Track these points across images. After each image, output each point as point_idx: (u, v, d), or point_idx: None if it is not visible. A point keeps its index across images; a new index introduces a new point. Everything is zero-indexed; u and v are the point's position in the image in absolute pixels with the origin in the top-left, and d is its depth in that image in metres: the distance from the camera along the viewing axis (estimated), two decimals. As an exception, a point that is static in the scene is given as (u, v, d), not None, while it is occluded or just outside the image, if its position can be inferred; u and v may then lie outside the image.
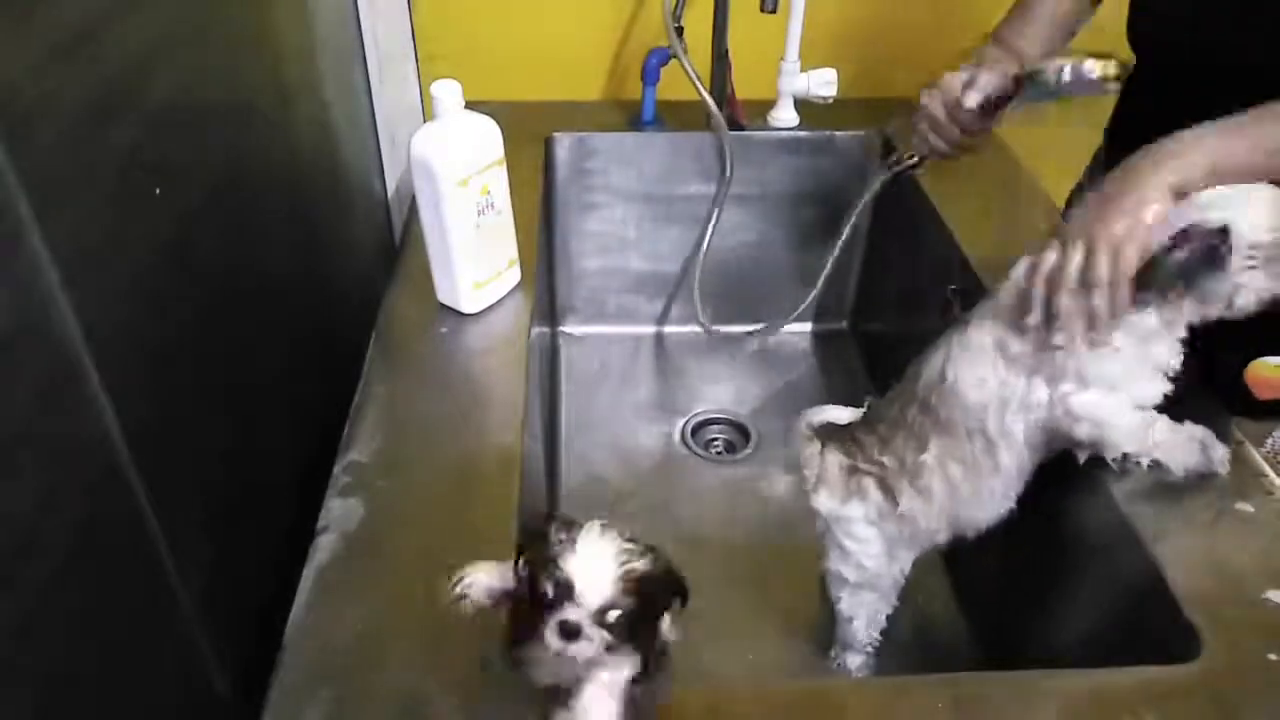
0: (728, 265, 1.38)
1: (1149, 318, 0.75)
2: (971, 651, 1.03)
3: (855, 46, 1.40)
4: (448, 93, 0.88)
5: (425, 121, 0.93)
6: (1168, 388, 0.78)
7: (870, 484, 0.87)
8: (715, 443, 1.29)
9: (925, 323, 1.08)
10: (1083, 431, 0.77)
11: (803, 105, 1.33)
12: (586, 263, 1.40)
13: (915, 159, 1.07)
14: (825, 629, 1.03)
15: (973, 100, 0.94)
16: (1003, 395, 0.80)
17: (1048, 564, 0.89)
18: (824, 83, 1.27)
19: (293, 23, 1.04)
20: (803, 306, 1.27)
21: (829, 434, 0.91)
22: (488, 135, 0.93)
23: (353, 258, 1.25)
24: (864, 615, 0.94)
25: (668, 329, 1.45)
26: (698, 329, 1.36)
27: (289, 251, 0.99)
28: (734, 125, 1.32)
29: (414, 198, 0.95)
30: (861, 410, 0.93)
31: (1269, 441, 0.85)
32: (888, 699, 0.67)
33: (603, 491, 1.19)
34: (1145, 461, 0.79)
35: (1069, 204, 1.10)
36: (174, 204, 0.71)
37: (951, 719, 0.64)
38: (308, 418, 0.97)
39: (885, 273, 1.36)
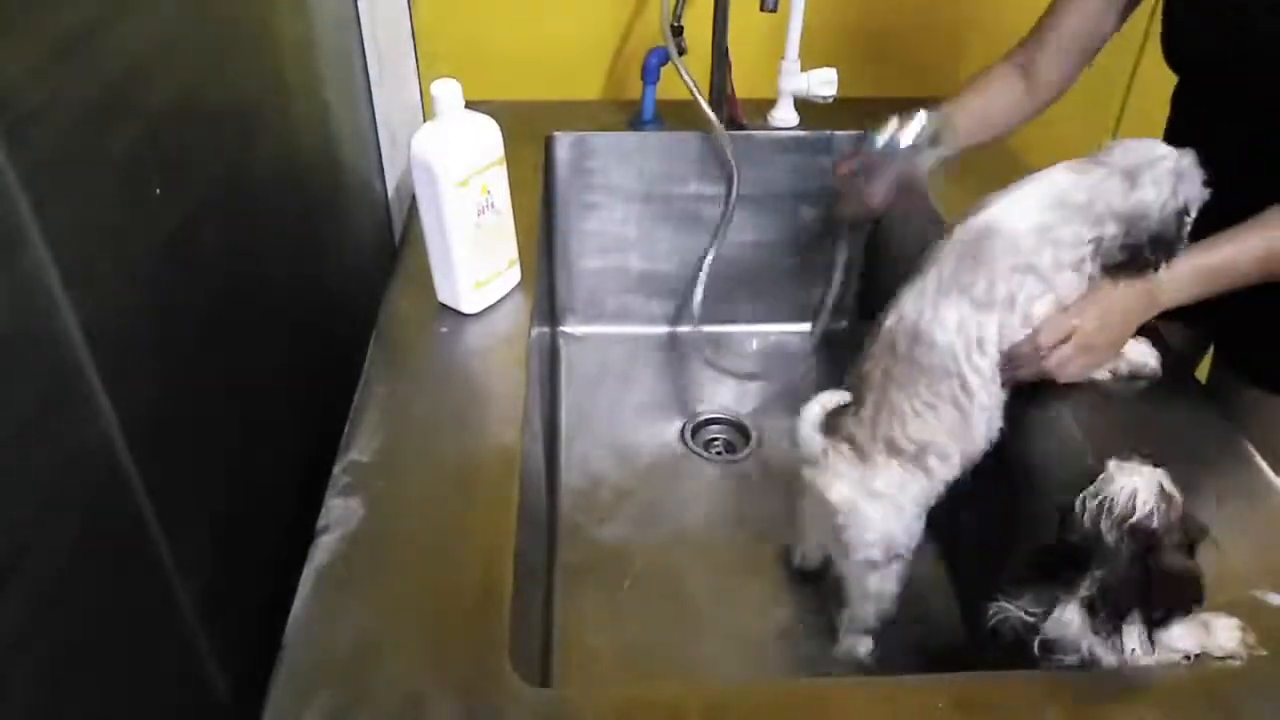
0: (727, 265, 1.37)
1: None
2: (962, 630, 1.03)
3: (855, 46, 1.40)
4: (448, 93, 0.88)
5: (425, 121, 0.93)
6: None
7: (881, 452, 0.88)
8: (715, 443, 1.29)
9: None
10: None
11: (803, 105, 1.33)
12: (586, 263, 1.40)
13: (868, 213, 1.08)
14: (825, 629, 1.03)
15: (845, 167, 1.02)
16: (968, 334, 0.85)
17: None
18: (824, 83, 1.27)
19: (293, 23, 1.04)
20: (813, 337, 1.28)
21: (827, 427, 0.91)
22: (488, 135, 0.93)
23: (353, 258, 1.25)
24: (892, 586, 0.92)
25: (668, 329, 1.45)
26: (692, 326, 1.36)
27: (289, 251, 0.99)
28: (734, 125, 1.32)
29: (414, 198, 0.95)
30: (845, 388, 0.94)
31: None
32: (888, 699, 0.67)
33: (603, 491, 1.19)
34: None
35: None
36: (174, 204, 0.71)
37: (951, 719, 0.64)
38: (308, 418, 0.97)
39: (885, 273, 1.36)
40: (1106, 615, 0.68)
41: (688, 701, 0.65)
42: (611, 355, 1.41)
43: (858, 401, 0.90)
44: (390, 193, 1.42)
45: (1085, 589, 0.69)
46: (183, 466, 0.72)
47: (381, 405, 0.86)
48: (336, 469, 0.79)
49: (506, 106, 1.19)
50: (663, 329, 1.45)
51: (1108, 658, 0.68)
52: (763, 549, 1.13)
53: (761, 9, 1.19)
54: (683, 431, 1.29)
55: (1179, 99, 1.02)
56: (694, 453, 1.26)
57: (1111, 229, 0.84)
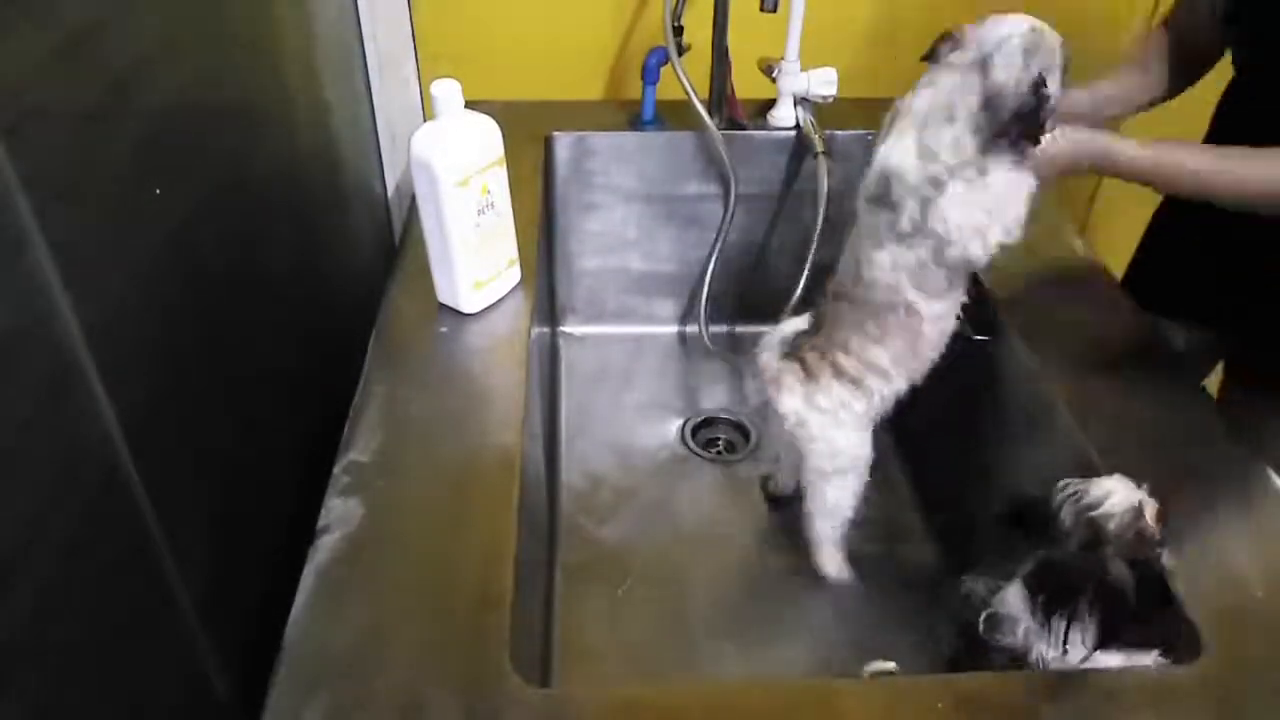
0: (727, 265, 1.38)
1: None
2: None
3: (855, 46, 1.40)
4: (448, 93, 0.88)
5: (425, 121, 0.93)
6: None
7: (827, 374, 0.97)
8: (715, 443, 1.29)
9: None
10: (955, 253, 0.90)
11: (803, 105, 1.33)
12: (586, 263, 1.40)
13: None
14: (826, 628, 1.03)
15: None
16: (903, 264, 0.91)
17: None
18: (824, 83, 1.27)
19: (293, 23, 1.04)
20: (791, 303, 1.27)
21: (785, 347, 1.00)
22: (488, 135, 0.93)
23: (353, 258, 1.25)
24: (847, 499, 1.01)
25: (668, 329, 1.45)
26: (698, 329, 1.36)
27: (289, 251, 0.99)
28: (734, 125, 1.32)
29: (414, 198, 0.95)
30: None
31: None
32: (888, 699, 0.67)
33: (603, 491, 1.19)
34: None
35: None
36: (174, 204, 0.71)
37: (951, 719, 0.64)
38: (308, 418, 0.97)
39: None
40: (1043, 601, 0.70)
41: (688, 701, 0.65)
42: (611, 355, 1.41)
43: (815, 332, 0.99)
44: (390, 193, 1.42)
45: (1029, 568, 0.72)
46: (183, 466, 0.72)
47: (381, 405, 0.86)
48: (336, 469, 0.80)
49: (506, 106, 1.19)
50: (663, 329, 1.45)
51: (1040, 646, 0.69)
52: (762, 549, 1.13)
53: (761, 9, 1.19)
54: (683, 431, 1.29)
55: (1234, 104, 1.02)
56: (694, 453, 1.26)
57: (980, 122, 0.86)
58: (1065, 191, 1.23)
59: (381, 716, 0.62)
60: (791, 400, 0.98)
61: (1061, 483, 0.73)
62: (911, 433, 1.20)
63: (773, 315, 1.14)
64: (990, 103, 0.85)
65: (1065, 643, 0.68)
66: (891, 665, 0.90)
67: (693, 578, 1.08)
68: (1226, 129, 1.02)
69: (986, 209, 0.88)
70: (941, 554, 1.10)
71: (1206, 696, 0.65)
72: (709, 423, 1.32)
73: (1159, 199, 1.14)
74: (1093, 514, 0.70)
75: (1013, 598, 0.72)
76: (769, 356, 1.00)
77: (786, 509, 1.13)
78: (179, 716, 0.72)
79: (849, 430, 0.98)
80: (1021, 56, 0.85)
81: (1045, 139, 0.87)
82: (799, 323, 1.01)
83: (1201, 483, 0.81)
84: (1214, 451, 0.86)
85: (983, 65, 0.86)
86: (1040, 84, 0.84)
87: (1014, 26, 0.86)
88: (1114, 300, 1.05)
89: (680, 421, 1.31)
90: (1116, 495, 0.71)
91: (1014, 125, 0.85)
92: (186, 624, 0.71)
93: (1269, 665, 0.67)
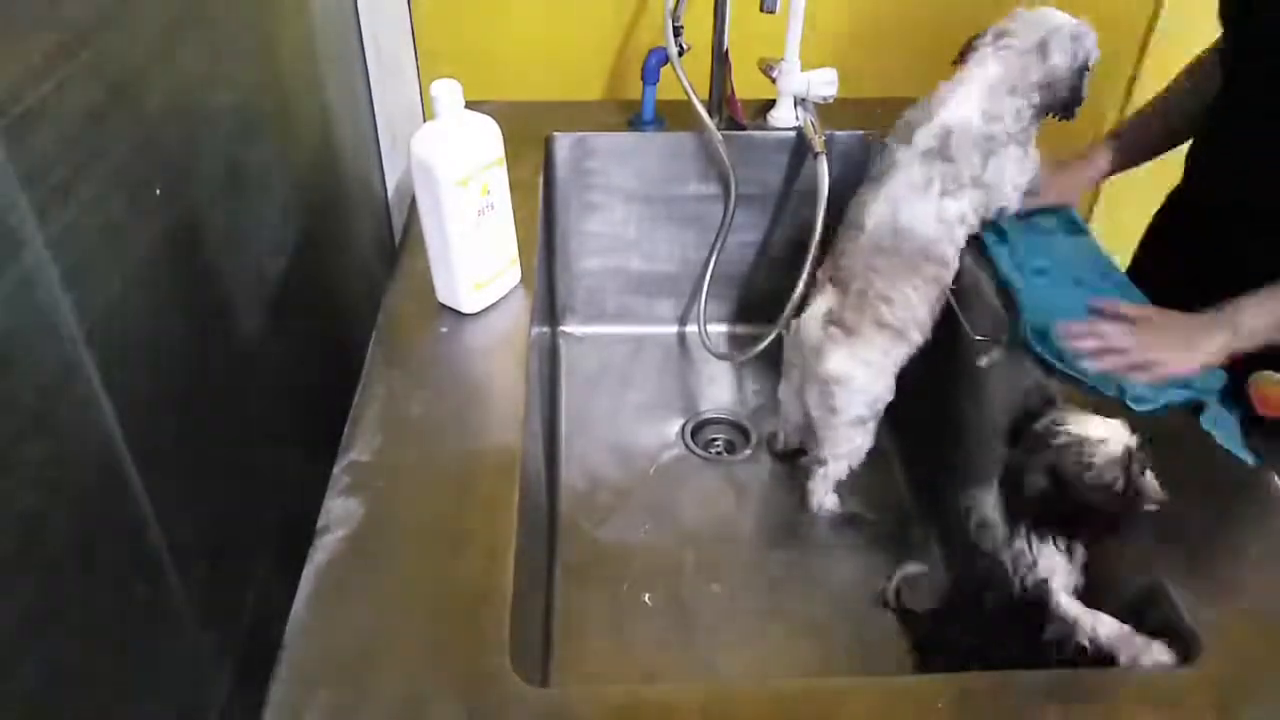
0: (727, 265, 1.38)
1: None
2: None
3: (855, 46, 1.40)
4: (447, 92, 0.88)
5: (425, 121, 0.93)
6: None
7: (870, 328, 1.01)
8: (715, 443, 1.29)
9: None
10: (998, 204, 1.05)
11: (802, 105, 1.32)
12: (586, 263, 1.40)
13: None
14: (826, 629, 1.03)
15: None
16: (947, 219, 1.01)
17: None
18: (824, 83, 1.27)
19: (293, 23, 1.04)
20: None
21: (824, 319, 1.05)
22: (488, 135, 0.92)
23: (353, 258, 1.25)
24: (869, 441, 1.08)
25: (668, 329, 1.45)
26: (697, 329, 1.36)
27: (289, 251, 0.99)
28: (734, 125, 1.32)
29: (414, 197, 0.95)
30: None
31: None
32: (888, 699, 0.67)
33: (603, 492, 1.19)
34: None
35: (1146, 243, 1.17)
36: (174, 204, 0.71)
37: (952, 719, 0.64)
38: (308, 417, 0.97)
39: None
40: (1007, 501, 0.75)
41: (688, 701, 0.65)
42: (611, 355, 1.41)
43: (842, 292, 1.04)
44: (390, 193, 1.42)
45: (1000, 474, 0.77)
46: (182, 466, 0.72)
47: (381, 405, 0.86)
48: (336, 469, 0.79)
49: (506, 106, 1.18)
50: (663, 329, 1.45)
51: (1006, 552, 0.74)
52: (763, 549, 1.13)
53: (761, 9, 1.19)
54: (683, 431, 1.29)
55: (1230, 104, 1.00)
56: (694, 453, 1.26)
57: (1035, 97, 1.00)
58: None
59: (381, 716, 0.62)
60: (840, 361, 1.02)
61: (1056, 420, 0.75)
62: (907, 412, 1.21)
63: (773, 315, 1.14)
64: (1048, 83, 0.99)
65: (1028, 543, 0.73)
66: (924, 567, 1.01)
67: (693, 578, 1.08)
68: (1215, 139, 1.02)
69: (1025, 171, 1.04)
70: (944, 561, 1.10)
71: (1206, 696, 0.65)
72: (709, 423, 1.32)
73: (1160, 198, 1.14)
74: (1084, 463, 0.72)
75: (988, 497, 0.77)
76: (814, 326, 1.04)
77: (792, 461, 1.21)
78: (179, 716, 0.72)
79: (888, 377, 1.04)
80: (1071, 43, 0.99)
81: None
82: (829, 299, 1.05)
83: (1200, 483, 0.81)
84: (1211, 450, 0.86)
85: (1041, 49, 0.99)
86: (1085, 68, 1.00)
87: (1063, 18, 1.00)
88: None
89: (680, 422, 1.31)
90: (1109, 445, 0.73)
91: (1060, 105, 1.01)
92: (186, 624, 0.71)
93: (1269, 665, 0.67)
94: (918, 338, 1.04)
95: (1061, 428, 0.74)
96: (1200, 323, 0.87)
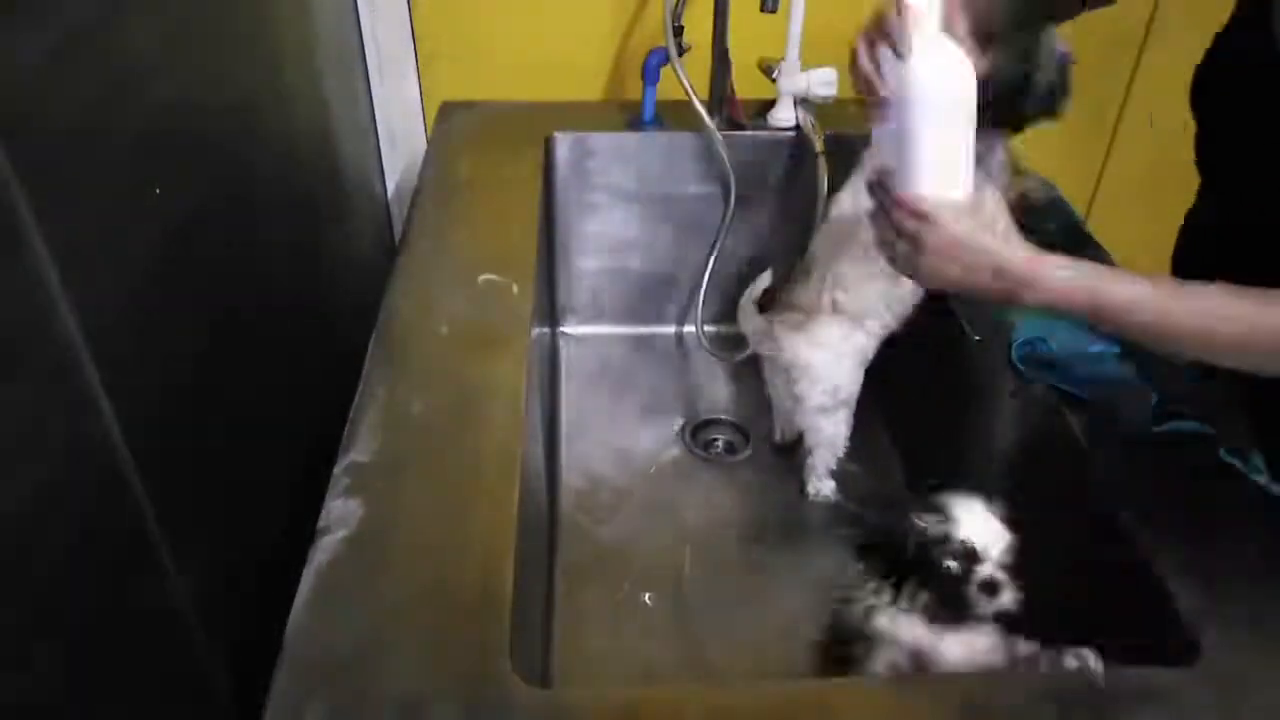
0: (727, 265, 1.38)
1: None
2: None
3: (855, 47, 1.40)
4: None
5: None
6: None
7: (826, 311, 1.04)
8: (715, 443, 1.29)
9: (922, 321, 1.08)
10: None
11: (803, 105, 1.32)
12: (586, 263, 1.40)
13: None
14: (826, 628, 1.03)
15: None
16: None
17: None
18: (824, 83, 1.27)
19: (293, 23, 1.04)
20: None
21: (771, 300, 1.08)
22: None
23: (353, 258, 1.25)
24: (843, 430, 1.11)
25: (668, 329, 1.45)
26: (694, 329, 1.37)
27: (289, 251, 0.99)
28: (734, 125, 1.32)
29: (414, 197, 0.95)
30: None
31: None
32: (888, 699, 0.67)
33: (603, 492, 1.19)
34: None
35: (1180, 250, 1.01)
36: (174, 204, 0.71)
37: (952, 719, 0.64)
38: (308, 418, 0.97)
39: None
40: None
41: (688, 702, 0.65)
42: (611, 355, 1.41)
43: (805, 276, 1.06)
44: (390, 193, 1.42)
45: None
46: (183, 466, 0.72)
47: (381, 405, 0.86)
48: (336, 470, 0.79)
49: (506, 106, 1.19)
50: (662, 329, 1.45)
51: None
52: (762, 549, 1.13)
53: (762, 9, 1.19)
54: (683, 432, 1.29)
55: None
56: (694, 453, 1.26)
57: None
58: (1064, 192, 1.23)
59: (381, 716, 0.62)
60: (794, 345, 1.05)
61: (917, 520, 0.76)
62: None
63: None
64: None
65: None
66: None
67: (693, 578, 1.08)
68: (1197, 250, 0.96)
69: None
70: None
71: (1206, 696, 0.65)
72: (709, 424, 1.32)
73: (1160, 203, 1.12)
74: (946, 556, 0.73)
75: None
76: (750, 310, 1.09)
77: (793, 454, 1.21)
78: (179, 716, 0.72)
79: (848, 365, 1.06)
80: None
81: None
82: (765, 279, 1.11)
83: (1198, 482, 0.81)
84: (1207, 451, 0.86)
85: None
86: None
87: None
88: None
89: (680, 422, 1.31)
90: (978, 538, 0.74)
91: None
92: (186, 624, 0.71)
93: (1269, 665, 0.67)
94: (876, 328, 1.06)
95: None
96: (989, 263, 0.73)
